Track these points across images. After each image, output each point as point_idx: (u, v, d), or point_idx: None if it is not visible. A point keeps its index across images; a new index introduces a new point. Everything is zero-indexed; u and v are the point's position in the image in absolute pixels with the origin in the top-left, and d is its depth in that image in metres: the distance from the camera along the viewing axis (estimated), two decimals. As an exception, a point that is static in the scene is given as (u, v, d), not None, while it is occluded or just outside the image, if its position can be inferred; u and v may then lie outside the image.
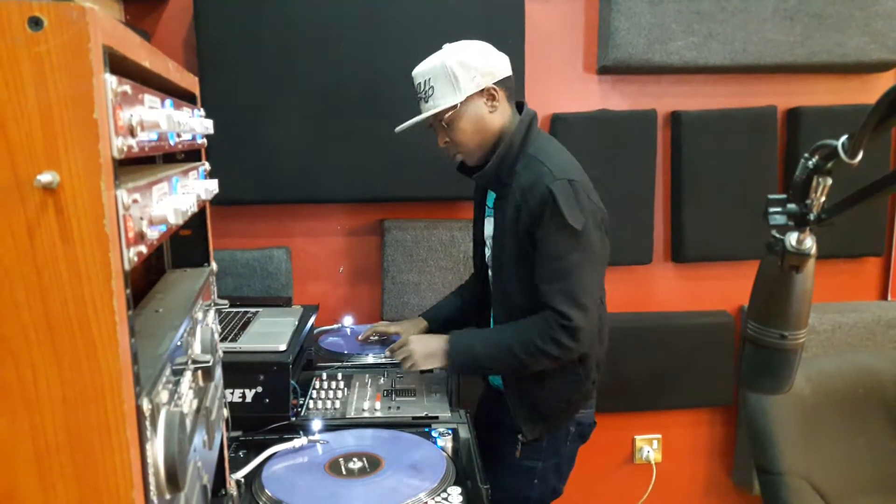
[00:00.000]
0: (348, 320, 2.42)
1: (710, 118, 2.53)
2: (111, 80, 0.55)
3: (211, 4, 2.25)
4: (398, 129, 1.81)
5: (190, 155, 1.14)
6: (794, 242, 0.84)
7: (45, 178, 0.52)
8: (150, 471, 0.61)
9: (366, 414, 1.76)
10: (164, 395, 0.68)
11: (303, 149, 2.34)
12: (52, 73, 0.52)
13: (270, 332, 1.85)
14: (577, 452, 1.92)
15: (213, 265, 1.16)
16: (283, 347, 1.74)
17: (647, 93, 2.56)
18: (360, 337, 2.20)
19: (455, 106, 1.70)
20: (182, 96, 1.00)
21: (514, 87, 1.80)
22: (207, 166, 1.10)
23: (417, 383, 1.92)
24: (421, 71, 1.74)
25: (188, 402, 0.80)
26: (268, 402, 1.68)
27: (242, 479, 1.42)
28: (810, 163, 0.79)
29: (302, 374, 1.92)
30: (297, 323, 1.94)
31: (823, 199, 0.81)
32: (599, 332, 1.78)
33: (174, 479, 0.65)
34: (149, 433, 0.62)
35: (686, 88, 2.57)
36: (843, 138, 0.72)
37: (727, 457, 2.82)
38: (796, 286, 0.88)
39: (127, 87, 0.59)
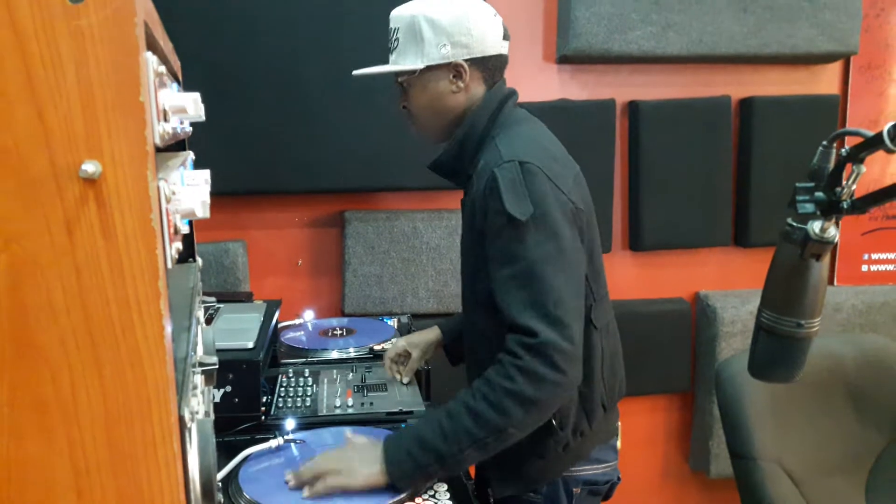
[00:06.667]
0: (309, 314, 2.35)
1: (667, 107, 2.55)
2: (152, 60, 0.50)
3: (161, -14, 2.15)
4: (356, 72, 1.51)
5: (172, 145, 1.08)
6: (818, 230, 0.84)
7: (89, 167, 0.46)
8: (191, 486, 0.56)
9: (338, 411, 1.71)
10: (194, 403, 0.62)
11: (259, 138, 2.25)
12: (93, 50, 0.47)
13: (236, 329, 1.78)
14: None
15: (199, 260, 1.10)
16: (251, 345, 1.67)
17: (606, 82, 2.57)
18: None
19: (414, 72, 1.41)
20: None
21: (501, 70, 1.50)
22: (192, 156, 1.04)
23: (388, 378, 1.88)
24: (394, 16, 1.46)
25: (201, 409, 0.75)
26: (237, 401, 1.61)
27: (219, 483, 1.36)
28: (843, 150, 0.79)
29: (266, 372, 1.86)
30: (262, 318, 1.87)
31: (855, 187, 0.81)
32: (593, 361, 1.40)
33: (210, 492, 0.60)
34: (188, 445, 0.57)
35: (644, 78, 2.59)
36: (889, 126, 0.72)
37: (684, 442, 2.87)
38: (814, 274, 0.88)
39: (163, 68, 0.53)
